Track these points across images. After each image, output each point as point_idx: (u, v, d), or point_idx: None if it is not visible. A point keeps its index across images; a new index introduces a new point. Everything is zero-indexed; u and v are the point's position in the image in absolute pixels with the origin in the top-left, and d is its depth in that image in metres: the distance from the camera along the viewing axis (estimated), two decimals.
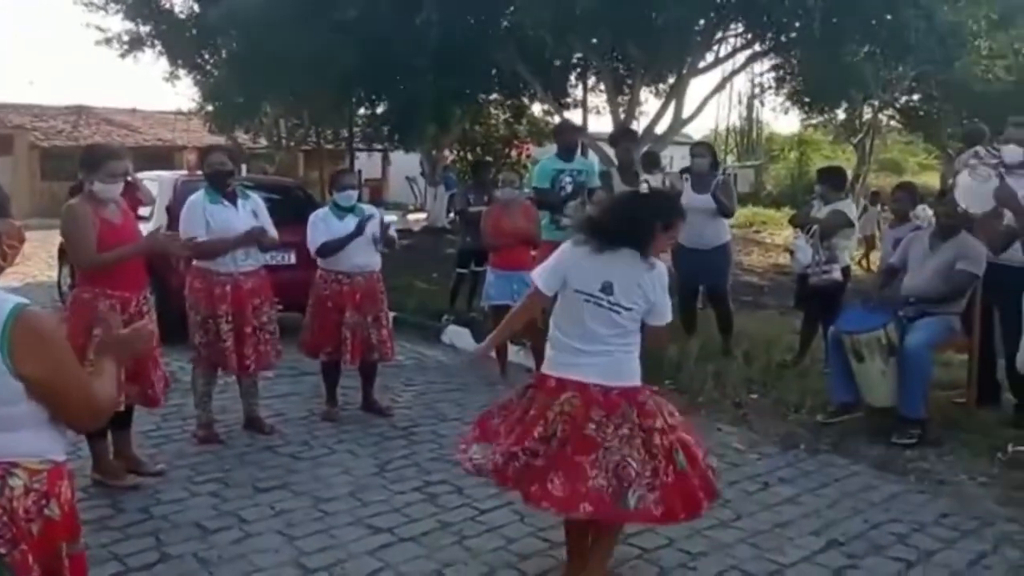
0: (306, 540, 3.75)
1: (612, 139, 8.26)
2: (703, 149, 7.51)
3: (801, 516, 4.11)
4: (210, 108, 17.12)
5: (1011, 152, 5.25)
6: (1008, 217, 4.81)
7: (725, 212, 7.04)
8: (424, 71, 11.67)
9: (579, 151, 8.60)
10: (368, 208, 5.75)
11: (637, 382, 3.23)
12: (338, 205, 5.50)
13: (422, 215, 20.46)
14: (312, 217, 5.53)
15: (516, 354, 6.95)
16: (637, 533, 3.81)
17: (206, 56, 16.30)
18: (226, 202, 5.02)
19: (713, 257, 7.05)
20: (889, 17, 8.47)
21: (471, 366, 6.71)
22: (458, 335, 7.98)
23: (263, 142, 20.24)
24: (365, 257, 5.45)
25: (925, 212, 7.27)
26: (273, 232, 5.15)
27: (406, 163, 23.25)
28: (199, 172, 5.65)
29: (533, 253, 6.52)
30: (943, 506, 4.23)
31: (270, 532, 3.83)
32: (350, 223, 5.41)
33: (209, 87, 16.48)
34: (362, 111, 16.91)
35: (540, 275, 3.34)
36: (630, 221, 3.20)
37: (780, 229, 18.61)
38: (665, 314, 3.28)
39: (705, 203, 6.89)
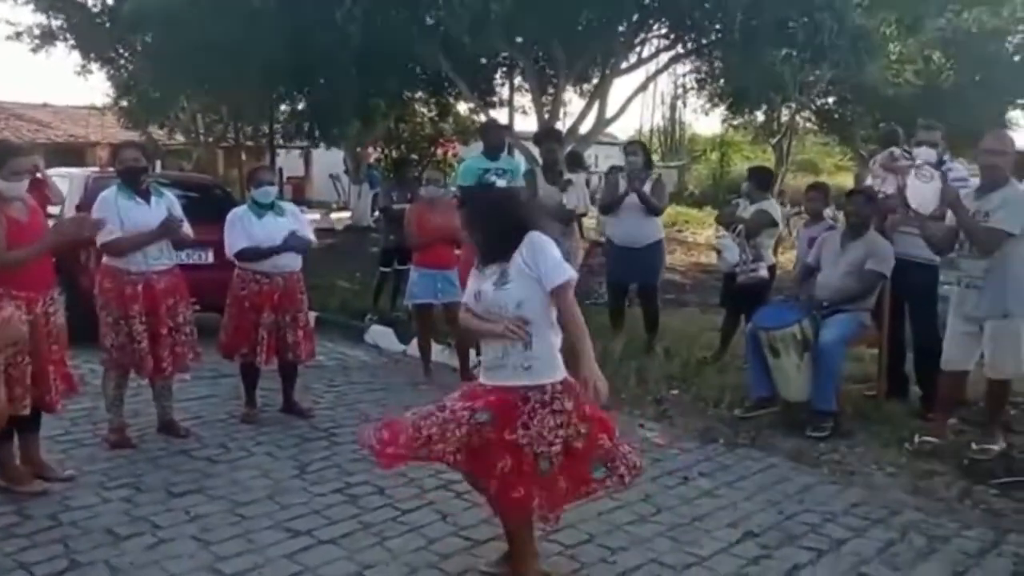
0: (222, 545, 3.66)
1: (536, 139, 8.31)
2: (637, 147, 7.60)
3: (719, 509, 4.19)
4: (124, 103, 16.62)
5: (924, 154, 5.46)
6: (949, 217, 4.98)
7: (653, 210, 7.13)
8: (347, 67, 11.51)
9: (505, 150, 8.62)
10: (288, 206, 5.65)
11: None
12: (257, 203, 5.39)
13: (346, 214, 20.21)
14: (230, 216, 5.40)
15: (440, 353, 6.92)
16: (558, 529, 3.83)
17: (120, 49, 15.77)
18: (139, 199, 4.87)
19: (646, 255, 7.13)
20: (805, 20, 8.69)
21: (397, 367, 6.67)
22: (381, 335, 7.90)
23: (180, 138, 19.72)
24: (284, 258, 5.34)
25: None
26: (189, 229, 5.02)
27: (330, 161, 22.94)
28: (111, 169, 5.47)
29: (457, 252, 6.51)
30: (853, 496, 4.36)
31: (184, 538, 3.73)
32: (269, 221, 5.31)
33: (123, 81, 16.00)
34: (283, 107, 16.61)
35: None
36: (499, 236, 3.22)
37: (703, 228, 18.94)
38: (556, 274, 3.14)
39: (639, 202, 7.00)
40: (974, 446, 4.87)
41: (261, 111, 16.43)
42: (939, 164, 5.48)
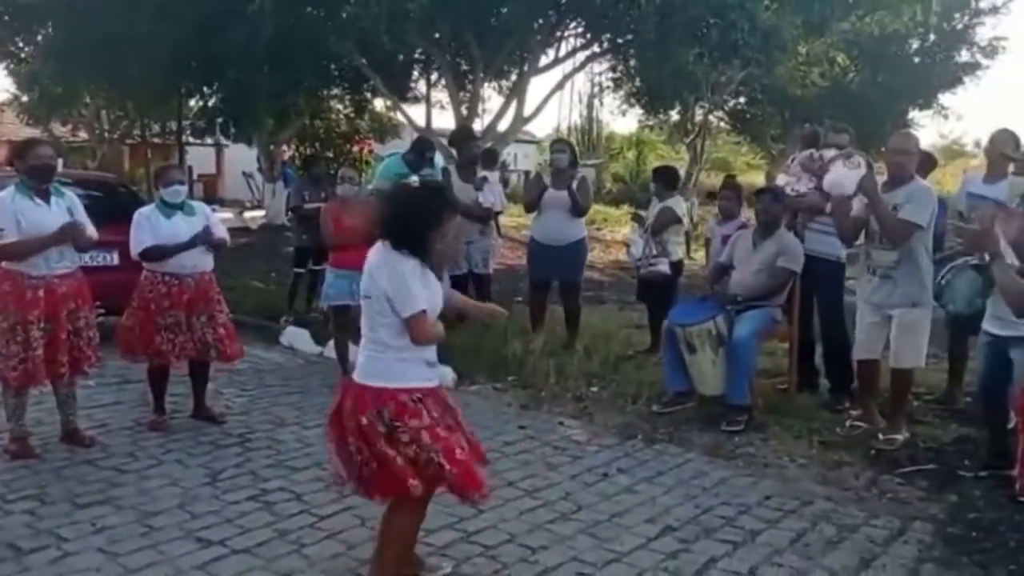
0: (130, 557, 3.52)
1: (452, 139, 8.27)
2: (563, 145, 7.64)
3: (638, 504, 4.22)
4: (25, 99, 15.92)
5: (832, 156, 5.62)
6: (857, 208, 5.12)
7: (579, 209, 7.16)
8: (259, 61, 11.25)
9: (439, 161, 8.60)
10: (198, 206, 5.47)
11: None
12: (165, 202, 5.21)
13: (260, 212, 19.78)
14: (136, 216, 5.19)
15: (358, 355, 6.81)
16: (479, 531, 3.82)
17: (20, 43, 15.10)
18: (39, 200, 4.64)
19: (568, 252, 7.16)
20: (717, 20, 8.87)
21: (313, 369, 6.54)
22: (297, 336, 7.74)
23: (83, 135, 18.99)
24: (194, 258, 5.16)
25: None
26: (92, 231, 4.82)
27: (243, 158, 22.40)
28: (8, 168, 5.21)
29: None
30: (767, 488, 4.45)
31: (91, 550, 3.57)
32: (178, 221, 5.14)
33: (24, 76, 15.31)
34: (193, 102, 16.15)
35: None
36: (403, 225, 3.10)
37: (620, 226, 19.19)
38: (403, 305, 3.02)
39: (564, 200, 7.02)
40: (880, 436, 5.04)
41: (169, 106, 15.96)
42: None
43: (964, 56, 21.78)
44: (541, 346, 6.83)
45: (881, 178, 5.24)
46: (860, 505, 4.23)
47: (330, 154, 19.22)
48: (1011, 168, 5.44)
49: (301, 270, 8.46)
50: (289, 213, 9.96)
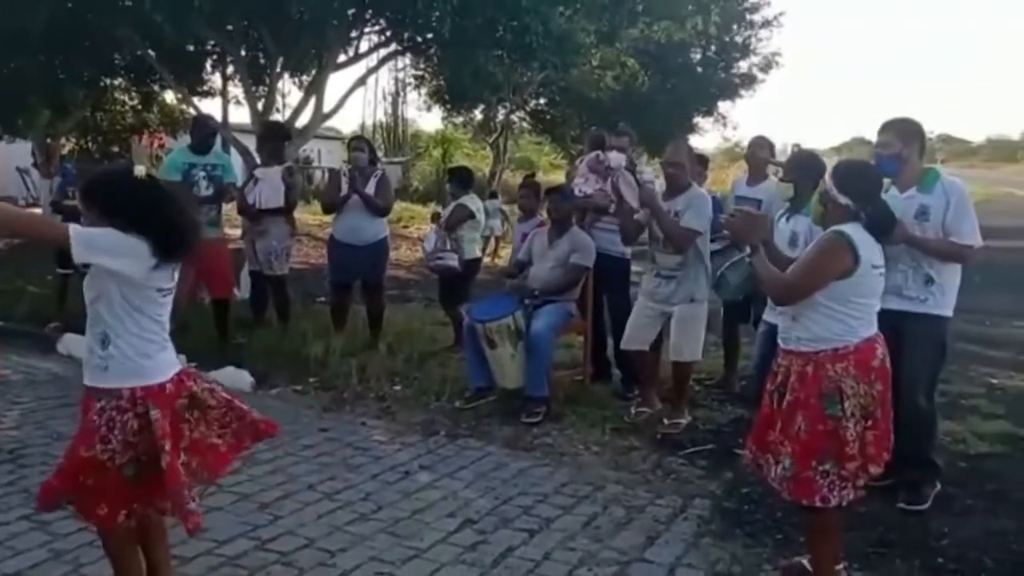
0: None
1: (262, 140, 7.88)
2: (362, 143, 7.51)
3: (438, 500, 4.27)
4: None
5: (615, 158, 5.93)
6: (641, 215, 5.44)
7: (377, 211, 7.09)
8: (33, 48, 10.35)
9: (218, 145, 8.16)
10: None
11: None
12: None
13: (37, 210, 18.22)
14: None
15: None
16: (274, 538, 3.73)
17: None
18: None
19: (369, 252, 7.09)
20: (513, 23, 9.05)
21: None
22: (76, 344, 7.17)
23: None
24: None
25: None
26: None
27: (17, 152, 20.54)
28: None
29: None
30: (563, 476, 4.63)
31: None
32: None
33: None
34: None
35: None
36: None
37: (426, 224, 19.24)
38: None
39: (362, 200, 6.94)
40: (665, 421, 5.37)
41: None
42: (632, 166, 6.00)
43: (743, 67, 23.52)
44: (343, 346, 6.75)
45: (661, 181, 5.61)
46: (647, 487, 4.48)
47: (116, 149, 18.01)
48: (771, 171, 5.99)
49: (67, 270, 7.52)
50: (50, 208, 9.13)
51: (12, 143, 17.38)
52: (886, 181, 3.94)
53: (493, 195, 16.04)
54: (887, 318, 3.38)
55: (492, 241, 14.37)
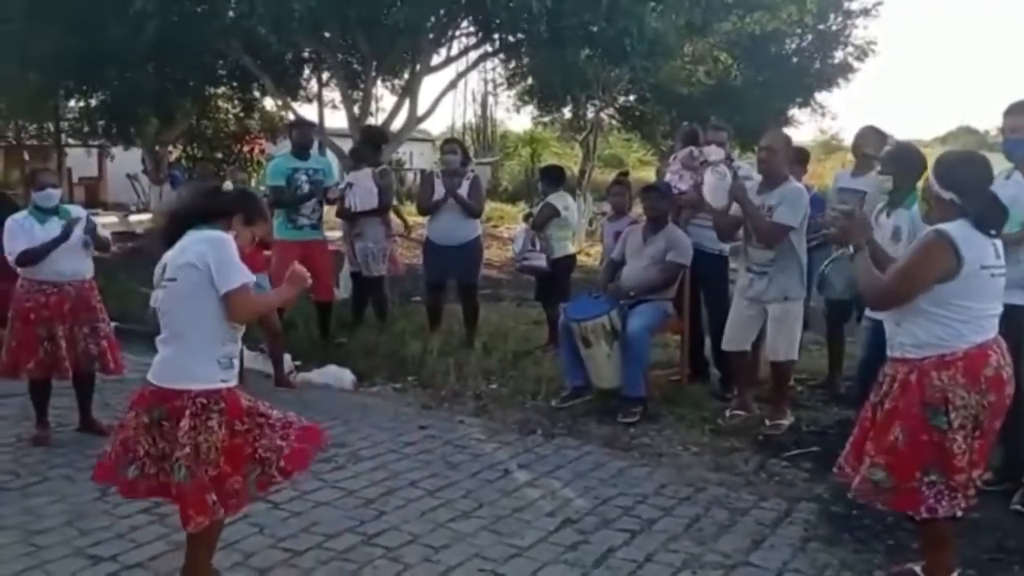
0: None
1: (361, 143, 8.06)
2: (454, 145, 7.61)
3: (538, 499, 4.29)
4: None
5: (714, 152, 5.84)
6: (735, 208, 5.33)
7: (471, 212, 7.17)
8: (143, 61, 10.85)
9: (315, 149, 8.38)
10: (75, 209, 5.25)
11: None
12: (38, 207, 4.98)
13: (147, 216, 19.05)
14: (9, 222, 4.95)
15: (254, 360, 6.67)
16: (380, 533, 3.82)
17: None
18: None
19: (464, 253, 7.17)
20: (605, 24, 9.02)
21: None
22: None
23: None
24: (72, 264, 4.97)
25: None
26: None
27: (128, 160, 21.52)
28: None
29: (267, 252, 6.32)
30: (663, 477, 4.59)
31: None
32: (54, 226, 4.92)
33: None
34: (72, 103, 15.42)
35: None
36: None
37: (516, 224, 19.32)
38: (227, 278, 2.98)
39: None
40: (767, 422, 5.27)
41: (46, 108, 15.21)
42: (729, 161, 5.89)
43: (839, 57, 22.81)
44: (439, 346, 6.85)
45: (760, 176, 5.48)
46: (750, 489, 4.41)
47: (219, 155, 18.67)
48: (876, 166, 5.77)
49: None
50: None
51: (125, 151, 18.19)
52: (1010, 167, 3.75)
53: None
54: (1009, 314, 3.22)
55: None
